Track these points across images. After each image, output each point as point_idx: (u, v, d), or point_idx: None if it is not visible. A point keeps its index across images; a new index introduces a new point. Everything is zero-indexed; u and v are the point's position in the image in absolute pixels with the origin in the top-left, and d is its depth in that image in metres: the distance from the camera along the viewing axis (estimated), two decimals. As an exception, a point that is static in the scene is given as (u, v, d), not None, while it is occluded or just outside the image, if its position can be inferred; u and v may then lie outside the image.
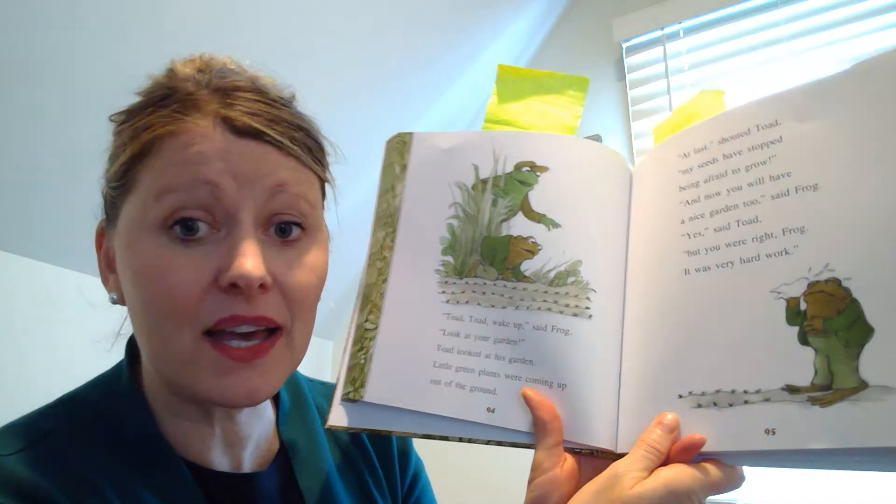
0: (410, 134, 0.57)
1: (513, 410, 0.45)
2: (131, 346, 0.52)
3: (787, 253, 0.38)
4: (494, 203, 0.50)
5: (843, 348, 0.35)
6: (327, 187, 0.57)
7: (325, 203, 0.56)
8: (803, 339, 0.36)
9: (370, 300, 0.52)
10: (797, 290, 0.37)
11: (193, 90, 0.45)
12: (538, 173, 0.49)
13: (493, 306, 0.47)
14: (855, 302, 0.35)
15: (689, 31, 1.54)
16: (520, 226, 0.48)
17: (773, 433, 0.35)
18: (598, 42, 1.67)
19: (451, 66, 1.55)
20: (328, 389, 0.64)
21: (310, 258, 0.47)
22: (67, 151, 0.95)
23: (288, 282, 0.44)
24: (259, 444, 0.53)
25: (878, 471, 0.34)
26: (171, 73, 0.47)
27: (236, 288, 0.41)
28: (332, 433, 0.59)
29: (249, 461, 0.52)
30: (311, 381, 0.64)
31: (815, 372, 0.35)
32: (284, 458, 0.54)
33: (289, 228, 0.46)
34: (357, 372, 0.49)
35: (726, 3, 1.48)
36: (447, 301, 0.49)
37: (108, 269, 0.49)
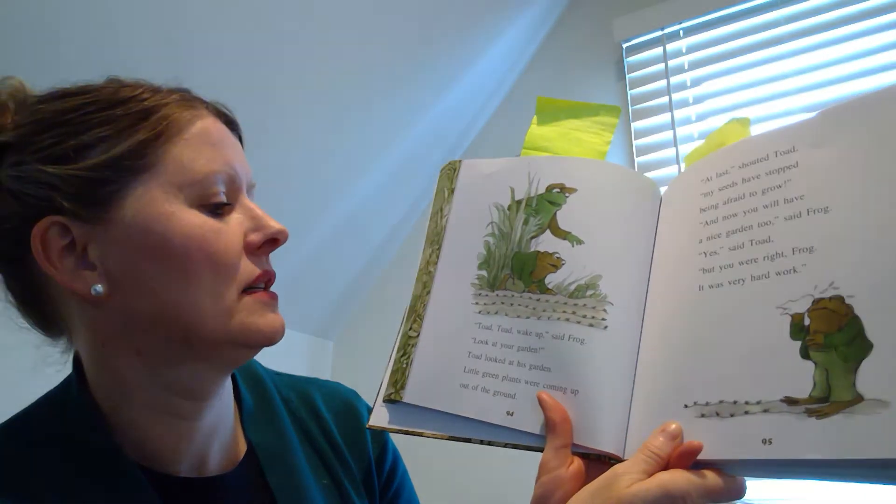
0: (460, 161, 0.62)
1: (529, 414, 0.47)
2: (78, 360, 0.51)
3: (795, 271, 0.39)
4: (526, 221, 0.54)
5: (842, 363, 0.35)
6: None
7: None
8: (805, 353, 0.37)
9: (415, 311, 0.56)
10: (802, 306, 0.38)
11: (176, 89, 0.51)
12: (567, 194, 0.53)
13: (518, 316, 0.51)
14: (856, 319, 0.36)
15: (689, 31, 1.53)
16: (547, 242, 0.52)
17: (770, 443, 0.36)
18: (598, 42, 1.66)
19: (451, 67, 1.55)
20: (297, 382, 0.65)
21: None
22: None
23: None
24: (224, 445, 0.54)
25: (872, 483, 0.34)
26: (117, 80, 0.50)
27: (270, 244, 0.50)
28: (302, 429, 0.60)
29: (215, 463, 0.52)
30: (277, 374, 0.65)
31: (814, 385, 0.36)
32: (252, 458, 0.54)
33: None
34: (399, 375, 0.54)
35: (726, 3, 1.46)
36: (479, 312, 0.53)
37: (77, 266, 0.45)
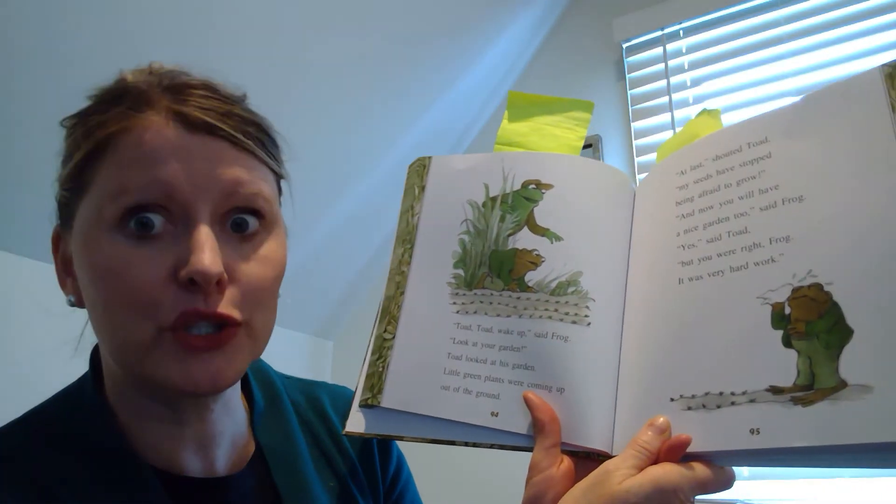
0: (430, 158, 0.61)
1: (515, 414, 0.47)
2: (94, 355, 0.51)
3: (773, 261, 0.40)
4: (502, 219, 0.53)
5: (824, 350, 0.36)
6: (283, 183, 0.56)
7: (283, 198, 0.56)
8: (787, 342, 0.38)
9: (389, 312, 0.55)
10: (782, 295, 0.39)
11: (145, 88, 0.45)
12: (543, 190, 0.52)
13: (498, 315, 0.50)
14: (835, 305, 0.36)
15: (689, 31, 1.54)
16: (525, 239, 0.51)
17: (758, 433, 0.36)
18: (598, 42, 1.67)
19: (451, 67, 1.56)
20: (306, 385, 0.64)
21: (267, 251, 0.47)
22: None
23: (245, 276, 0.45)
24: (233, 445, 0.53)
25: (859, 467, 0.35)
26: (119, 80, 0.48)
27: (194, 284, 0.42)
28: (310, 432, 0.59)
29: (223, 463, 0.52)
30: (287, 377, 0.64)
31: (798, 373, 0.36)
32: (261, 459, 0.54)
33: (245, 223, 0.46)
34: (375, 379, 0.52)
35: (726, 3, 1.47)
36: (457, 311, 0.52)
37: (65, 272, 0.48)
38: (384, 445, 0.64)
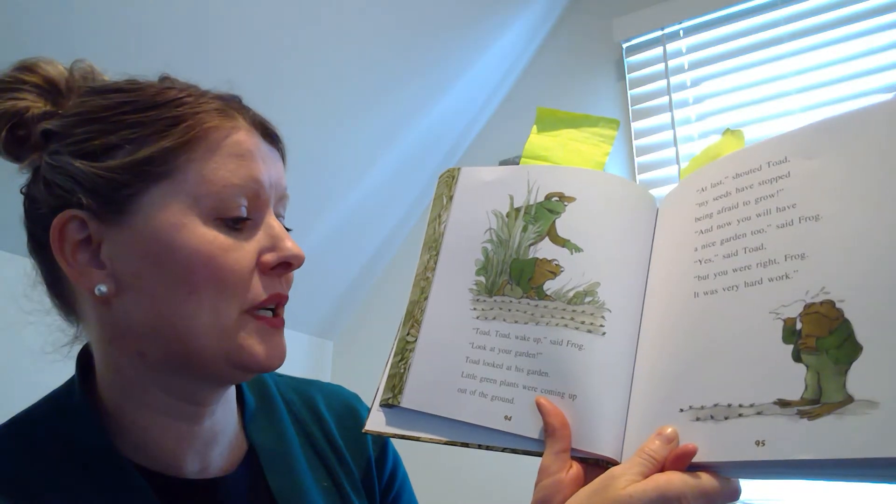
0: (459, 169, 0.63)
1: (528, 419, 0.48)
2: (81, 359, 0.52)
3: (787, 277, 0.40)
4: (525, 229, 0.55)
5: (833, 365, 0.36)
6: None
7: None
8: (797, 357, 0.38)
9: (413, 316, 0.57)
10: (794, 311, 0.39)
11: (223, 95, 0.51)
12: (566, 203, 0.54)
13: (516, 322, 0.51)
14: (846, 322, 0.37)
15: (689, 31, 1.54)
16: (546, 249, 0.53)
17: (763, 444, 0.37)
18: (598, 42, 1.67)
19: (451, 68, 1.56)
20: (299, 384, 0.65)
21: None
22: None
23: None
24: (226, 446, 0.54)
25: (863, 482, 0.35)
26: (168, 79, 0.52)
27: (284, 267, 0.49)
28: (303, 431, 0.60)
29: (218, 463, 0.53)
30: (279, 376, 0.65)
31: (806, 387, 0.37)
32: (254, 459, 0.55)
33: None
34: (397, 380, 0.54)
35: (726, 3, 1.47)
36: (477, 317, 0.53)
37: (88, 262, 0.46)
38: (380, 444, 0.64)
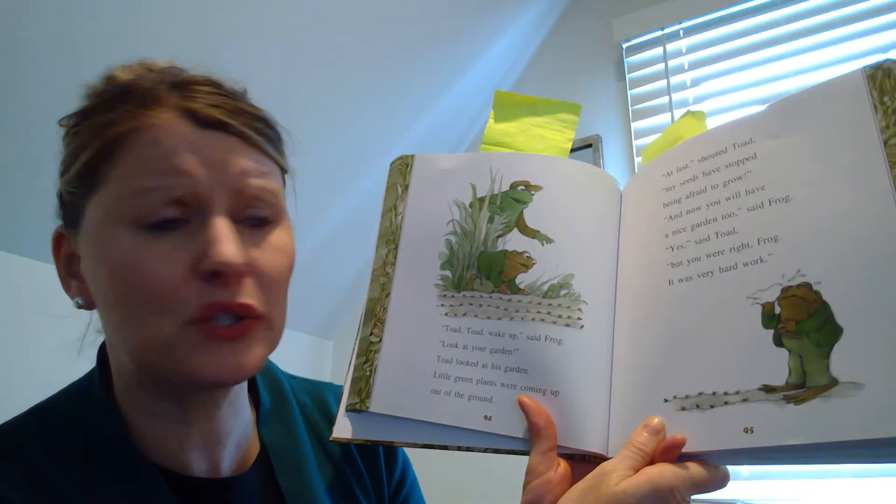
0: (412, 156, 0.60)
1: (509, 418, 0.47)
2: (102, 353, 0.51)
3: (762, 261, 0.41)
4: (491, 220, 0.53)
5: (815, 348, 0.37)
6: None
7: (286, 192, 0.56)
8: (778, 341, 0.38)
9: (374, 314, 0.54)
10: (771, 295, 0.39)
11: (150, 86, 0.45)
12: (533, 192, 0.52)
13: (489, 318, 0.50)
14: (825, 304, 0.37)
15: (689, 31, 1.56)
16: (515, 241, 0.51)
17: (752, 431, 0.37)
18: (598, 42, 1.69)
19: (451, 68, 1.57)
20: (312, 386, 0.64)
21: (278, 242, 0.48)
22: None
23: (262, 266, 0.45)
24: (239, 445, 0.53)
25: (853, 462, 0.36)
26: (112, 78, 0.47)
27: (217, 276, 0.42)
28: (315, 433, 0.59)
29: (228, 463, 0.51)
30: (293, 377, 0.64)
31: (790, 372, 0.37)
32: (265, 459, 0.54)
33: (257, 215, 0.46)
34: (363, 384, 0.51)
35: (726, 3, 1.49)
36: (446, 314, 0.51)
37: (69, 274, 0.48)
38: (389, 449, 0.64)
